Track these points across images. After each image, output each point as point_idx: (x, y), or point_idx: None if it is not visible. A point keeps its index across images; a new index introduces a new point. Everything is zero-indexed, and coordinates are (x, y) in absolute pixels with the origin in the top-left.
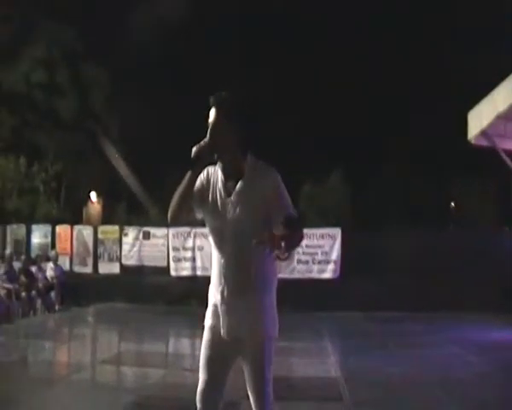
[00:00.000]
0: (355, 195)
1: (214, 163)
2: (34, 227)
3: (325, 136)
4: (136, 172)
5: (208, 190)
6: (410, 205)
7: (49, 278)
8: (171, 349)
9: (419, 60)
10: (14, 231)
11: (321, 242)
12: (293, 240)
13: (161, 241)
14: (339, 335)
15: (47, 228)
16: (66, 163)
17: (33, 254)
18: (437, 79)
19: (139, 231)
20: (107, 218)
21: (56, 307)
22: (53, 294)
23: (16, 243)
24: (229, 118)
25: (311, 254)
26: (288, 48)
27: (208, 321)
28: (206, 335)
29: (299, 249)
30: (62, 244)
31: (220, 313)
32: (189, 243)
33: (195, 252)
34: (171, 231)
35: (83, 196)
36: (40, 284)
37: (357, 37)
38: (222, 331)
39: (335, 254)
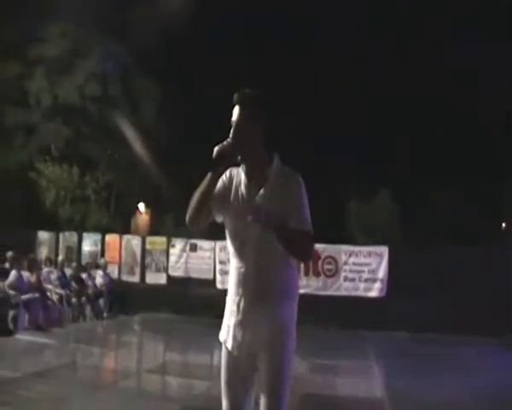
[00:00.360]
0: (402, 212)
1: (237, 165)
2: (85, 235)
3: (375, 153)
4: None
5: (230, 192)
6: (461, 224)
7: (98, 285)
8: (215, 362)
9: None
10: (67, 238)
11: (368, 260)
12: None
13: (208, 254)
14: (384, 355)
15: (97, 236)
16: (117, 174)
17: (84, 262)
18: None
19: (186, 242)
20: (154, 229)
21: (104, 315)
22: (102, 301)
23: (68, 249)
24: (254, 117)
25: (357, 271)
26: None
27: (223, 335)
28: (223, 354)
29: (346, 267)
30: (111, 253)
31: (232, 325)
32: None
33: None
34: (218, 244)
35: (131, 206)
36: (90, 291)
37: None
38: (231, 345)
39: (382, 272)
